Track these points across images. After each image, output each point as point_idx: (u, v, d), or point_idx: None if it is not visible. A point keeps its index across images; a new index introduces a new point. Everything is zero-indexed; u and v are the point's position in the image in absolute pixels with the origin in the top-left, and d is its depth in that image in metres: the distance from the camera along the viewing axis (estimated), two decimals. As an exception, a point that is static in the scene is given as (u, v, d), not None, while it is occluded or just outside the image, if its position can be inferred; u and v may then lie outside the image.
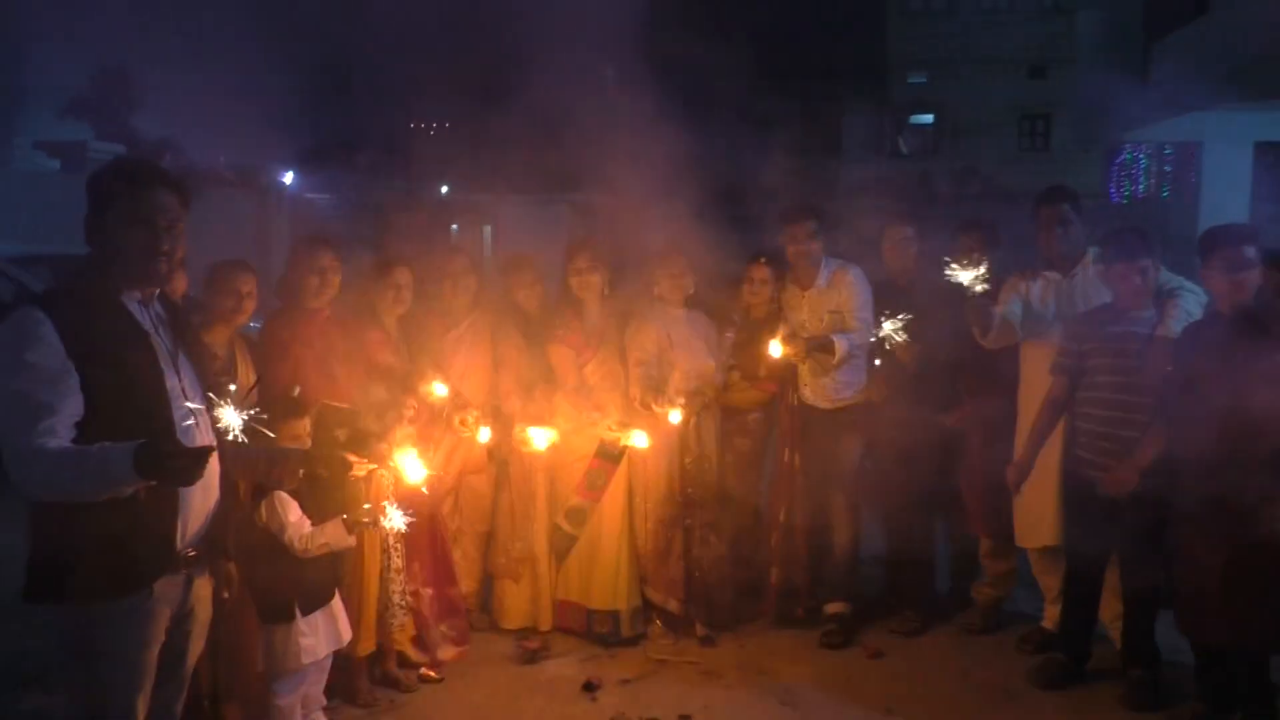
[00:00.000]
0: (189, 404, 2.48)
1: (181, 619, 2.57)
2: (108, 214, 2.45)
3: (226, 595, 2.72)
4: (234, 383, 3.55)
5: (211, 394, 2.54)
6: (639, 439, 4.43)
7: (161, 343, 2.52)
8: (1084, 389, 4.05)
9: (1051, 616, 4.56)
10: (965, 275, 4.02)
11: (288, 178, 15.08)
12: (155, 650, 2.48)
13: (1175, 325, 3.85)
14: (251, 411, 2.54)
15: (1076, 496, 4.11)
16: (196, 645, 2.66)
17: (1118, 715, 4.00)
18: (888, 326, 4.37)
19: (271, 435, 2.76)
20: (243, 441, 2.64)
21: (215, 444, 2.52)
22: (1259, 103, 11.41)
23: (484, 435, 4.29)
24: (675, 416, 4.42)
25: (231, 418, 2.40)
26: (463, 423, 4.20)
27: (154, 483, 2.20)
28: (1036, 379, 4.32)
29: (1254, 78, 10.84)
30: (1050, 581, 4.51)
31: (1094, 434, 4.01)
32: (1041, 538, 4.37)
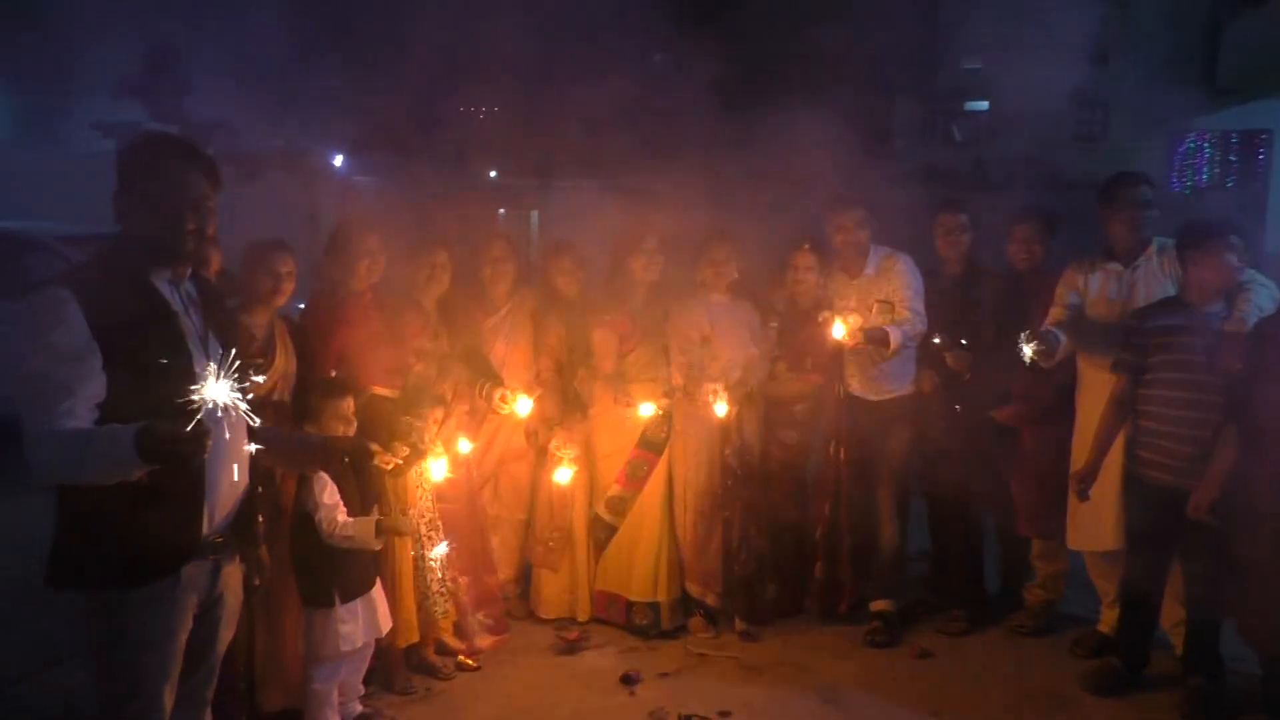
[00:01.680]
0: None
1: (210, 606, 2.53)
2: (135, 191, 2.39)
3: (258, 582, 2.67)
4: (270, 365, 3.55)
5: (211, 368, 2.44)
6: (646, 409, 4.38)
7: (192, 324, 2.46)
8: (1147, 386, 3.88)
9: (1107, 620, 4.40)
10: (1028, 349, 3.90)
11: (337, 160, 15.15)
12: (182, 637, 2.44)
13: (1248, 319, 3.67)
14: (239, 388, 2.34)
15: (1139, 499, 3.95)
16: (226, 632, 2.62)
17: (1178, 726, 3.85)
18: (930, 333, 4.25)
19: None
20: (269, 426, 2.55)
21: (245, 428, 2.48)
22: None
23: (524, 407, 4.22)
24: (721, 409, 4.32)
25: (217, 391, 2.16)
26: (502, 399, 4.14)
27: (156, 466, 2.12)
28: (1095, 377, 4.16)
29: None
30: (1107, 585, 4.36)
31: (1158, 434, 3.84)
32: (1100, 541, 4.20)
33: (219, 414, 2.36)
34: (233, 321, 2.88)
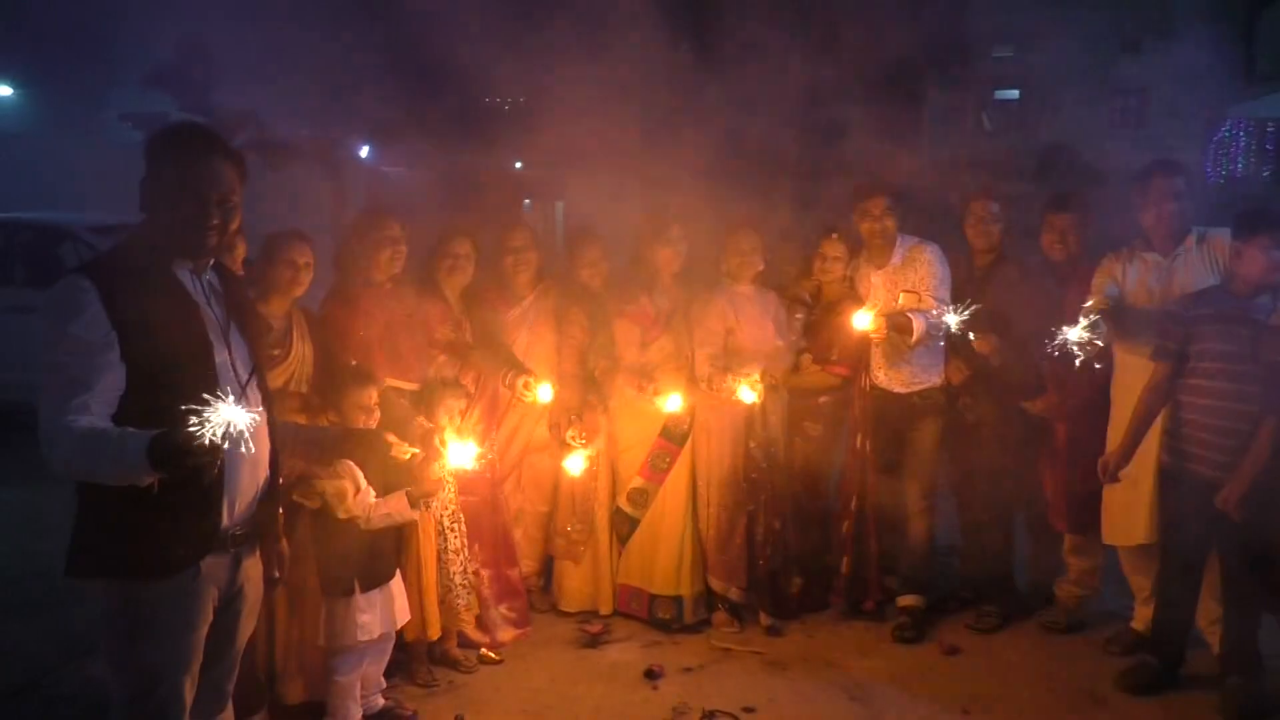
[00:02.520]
0: (240, 381, 2.40)
1: (230, 599, 2.51)
2: (160, 180, 2.36)
3: (278, 575, 2.65)
4: (287, 356, 3.53)
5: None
6: (673, 402, 4.29)
7: (214, 315, 2.43)
8: (1188, 376, 3.77)
9: (1142, 617, 4.29)
10: (1073, 334, 3.71)
11: (364, 151, 15.18)
12: (202, 631, 2.42)
13: None
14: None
15: (1176, 492, 3.85)
16: (246, 626, 2.60)
17: (1217, 727, 3.75)
18: (953, 320, 4.12)
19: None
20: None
21: (266, 421, 2.45)
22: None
23: (546, 394, 4.18)
24: (748, 395, 4.24)
25: (231, 414, 2.08)
26: (525, 386, 4.10)
27: (166, 476, 2.09)
28: (1131, 367, 4.05)
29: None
30: (1142, 581, 4.25)
31: (1198, 425, 3.74)
32: (1135, 535, 4.10)
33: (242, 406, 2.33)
34: (255, 313, 2.85)
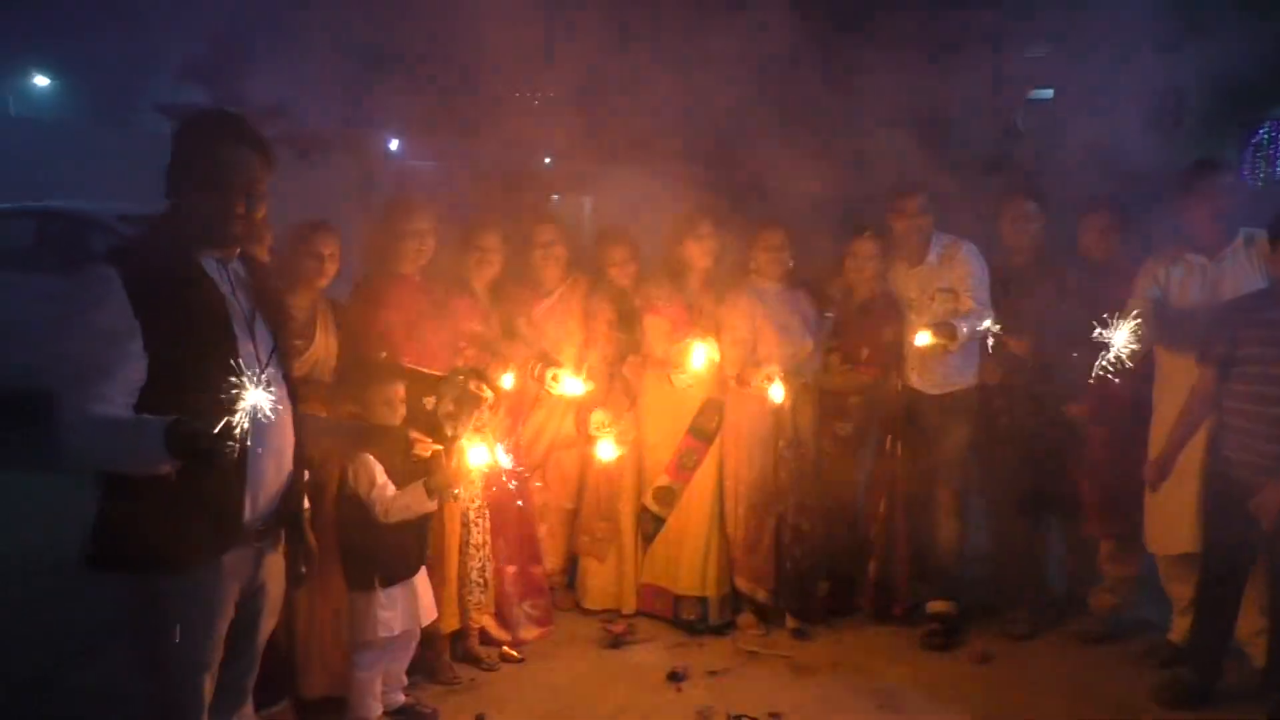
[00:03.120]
0: (265, 373, 2.36)
1: (252, 594, 2.47)
2: (186, 169, 2.33)
3: (305, 570, 2.61)
4: (309, 346, 3.49)
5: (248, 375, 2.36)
6: (777, 392, 4.18)
7: (239, 305, 2.40)
8: (1235, 381, 3.66)
9: (1180, 628, 4.18)
10: (1118, 337, 3.59)
11: (393, 144, 15.20)
12: (223, 626, 2.38)
13: None
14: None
15: (1222, 500, 3.74)
16: (268, 621, 2.57)
17: (1260, 743, 3.65)
18: (990, 325, 4.06)
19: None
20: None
21: (290, 414, 2.41)
22: None
23: (573, 387, 4.13)
24: (777, 393, 4.17)
25: (255, 397, 2.12)
26: (554, 378, 4.04)
27: (183, 463, 2.06)
28: (1174, 370, 3.95)
29: None
30: (1181, 591, 4.13)
31: (1245, 432, 3.63)
32: (1177, 544, 3.99)
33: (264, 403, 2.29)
34: (280, 304, 2.81)
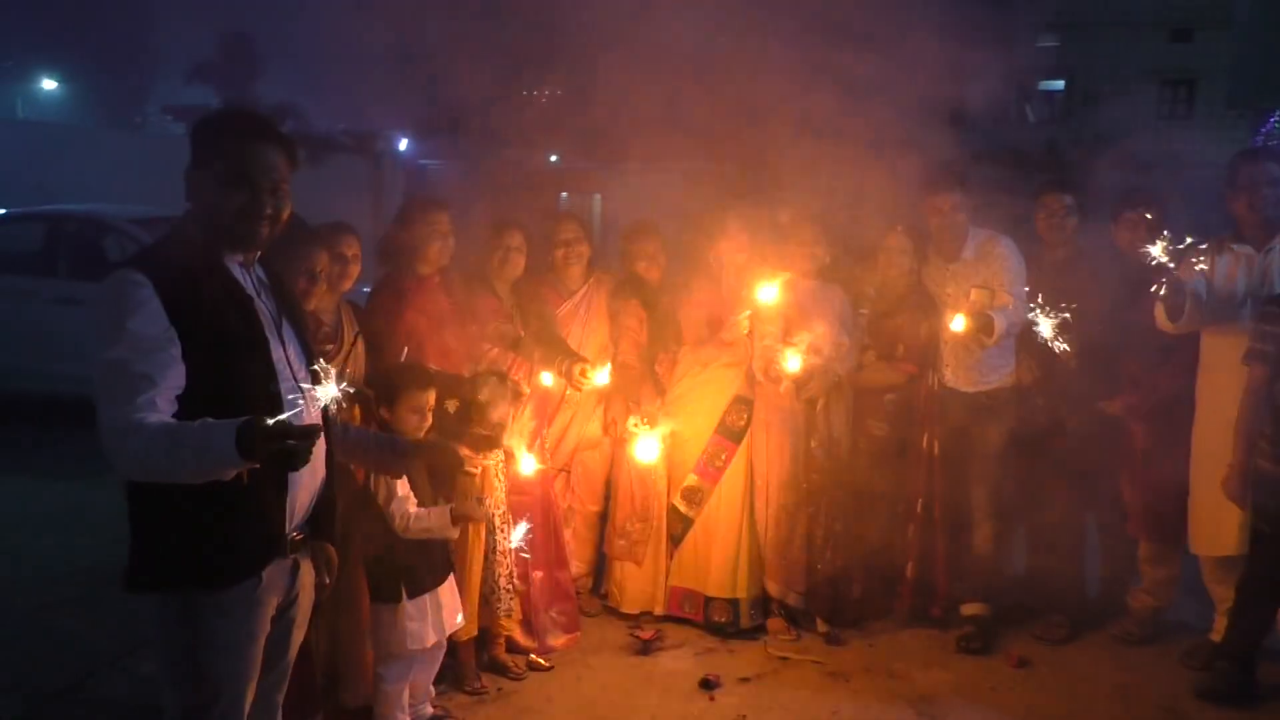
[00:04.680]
0: (297, 377, 2.29)
1: (286, 607, 2.39)
2: (209, 169, 2.24)
3: (328, 581, 2.52)
4: (340, 351, 3.42)
5: (318, 366, 2.30)
6: (793, 362, 4.11)
7: (265, 309, 2.32)
8: None
9: (1222, 629, 4.07)
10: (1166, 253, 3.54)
11: (402, 144, 15.17)
12: (263, 641, 2.30)
13: None
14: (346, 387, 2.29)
15: (1270, 499, 3.64)
16: (299, 634, 2.48)
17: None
18: (1044, 327, 3.93)
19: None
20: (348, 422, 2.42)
21: (322, 420, 2.33)
22: None
23: (603, 378, 4.06)
24: (793, 362, 4.10)
25: (328, 392, 2.15)
26: (583, 374, 3.98)
27: (257, 465, 1.98)
28: (1219, 365, 3.85)
29: None
30: (1224, 592, 4.02)
31: None
32: (1222, 546, 3.90)
33: (302, 403, 2.22)
34: (301, 306, 2.74)
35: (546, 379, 4.02)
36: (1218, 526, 3.87)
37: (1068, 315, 3.91)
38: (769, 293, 4.18)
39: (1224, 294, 3.83)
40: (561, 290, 4.39)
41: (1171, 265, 3.60)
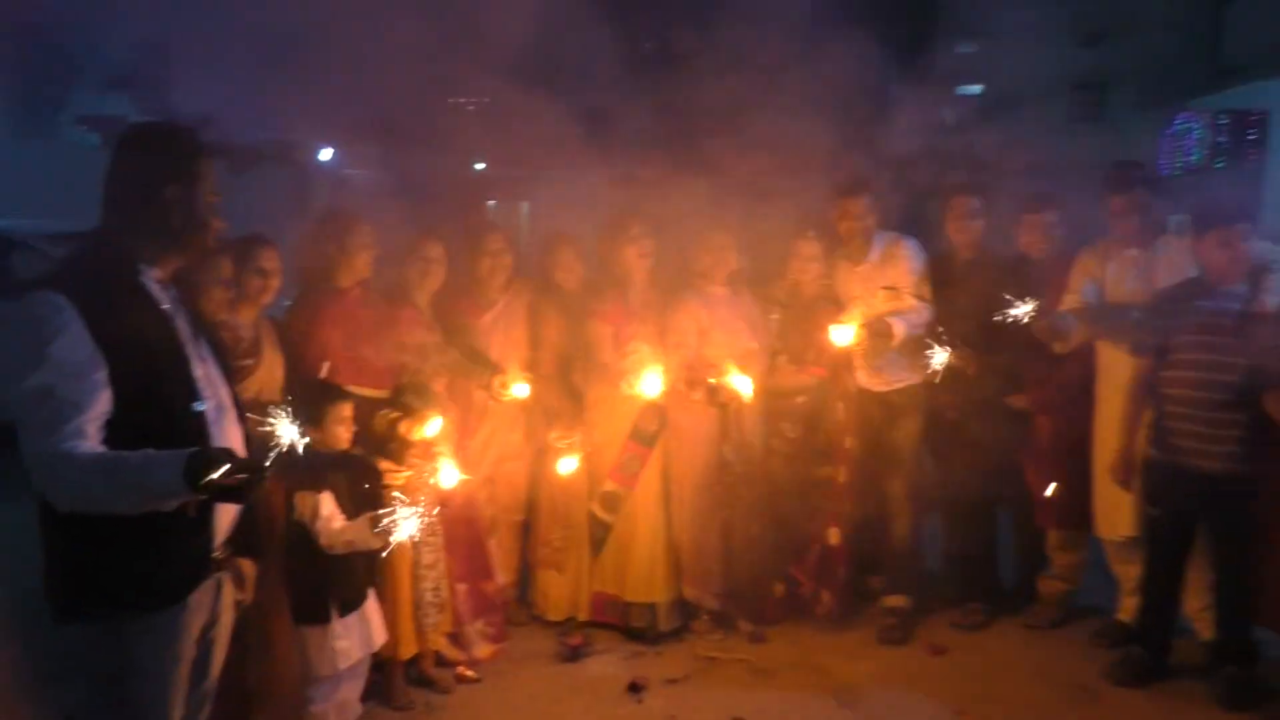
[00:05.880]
0: (219, 394, 2.28)
1: (209, 626, 2.36)
2: (136, 183, 2.21)
3: (243, 599, 2.50)
4: (259, 366, 3.40)
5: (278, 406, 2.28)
6: (651, 384, 4.16)
7: (183, 326, 2.30)
8: (1170, 368, 3.76)
9: (1128, 609, 4.28)
10: (1021, 310, 3.78)
11: (326, 154, 14.90)
12: (188, 664, 2.28)
13: (1273, 300, 3.55)
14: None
15: (1162, 484, 3.83)
16: (220, 654, 2.45)
17: (1213, 715, 3.75)
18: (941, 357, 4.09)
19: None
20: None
21: (244, 438, 2.32)
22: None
23: (522, 391, 4.09)
24: (746, 386, 4.16)
25: (290, 432, 2.15)
26: (502, 385, 4.01)
27: (204, 498, 1.96)
28: (1115, 360, 4.04)
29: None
30: (1128, 572, 4.23)
31: (1180, 416, 3.73)
32: (1120, 527, 4.11)
33: (222, 421, 2.21)
34: (215, 322, 2.72)
35: (522, 390, 4.06)
36: (1116, 511, 4.07)
37: (955, 320, 4.06)
38: (652, 385, 4.20)
39: (1115, 297, 4.02)
40: (482, 301, 4.38)
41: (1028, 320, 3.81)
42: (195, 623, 2.28)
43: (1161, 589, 3.95)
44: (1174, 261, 3.98)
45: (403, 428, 3.58)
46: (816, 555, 4.50)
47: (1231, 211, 3.70)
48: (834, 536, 4.47)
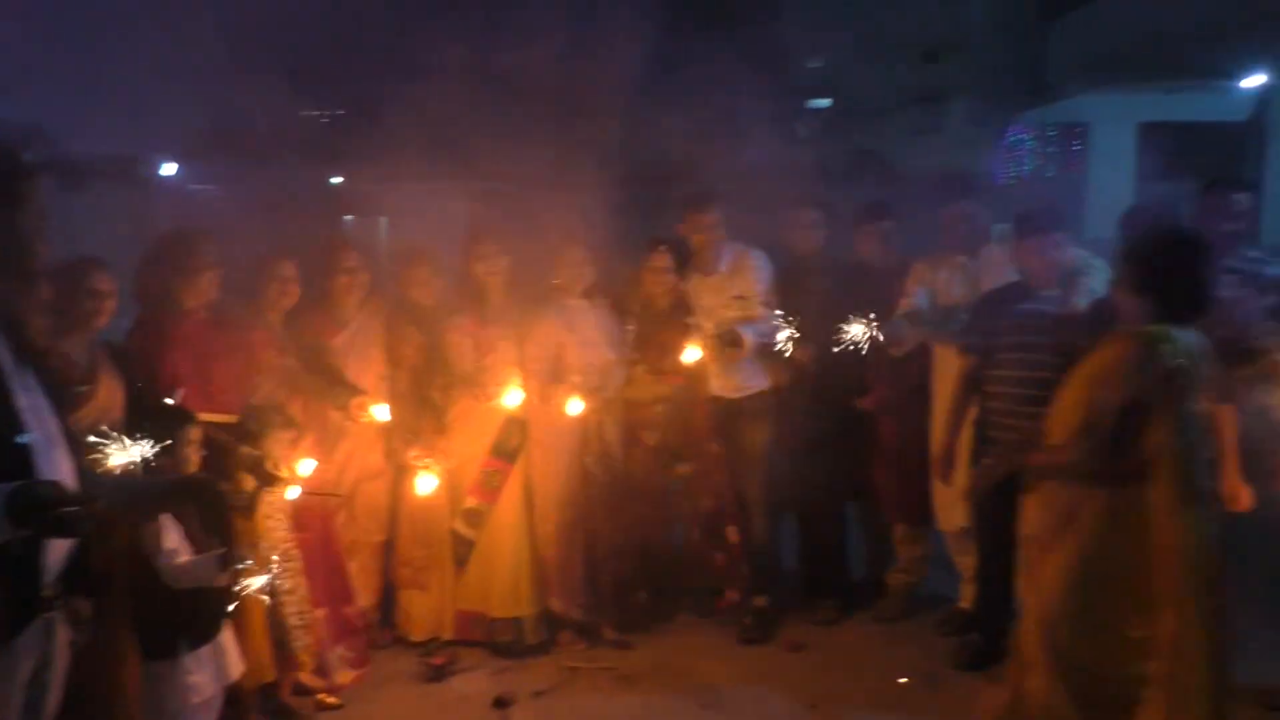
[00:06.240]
0: (46, 426, 2.17)
1: (41, 669, 2.23)
2: None
3: (75, 639, 2.37)
4: (94, 394, 3.26)
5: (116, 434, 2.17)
6: (514, 396, 4.24)
7: (4, 356, 2.20)
8: (993, 367, 4.01)
9: (968, 596, 4.53)
10: (857, 329, 3.96)
11: (169, 168, 14.25)
12: (17, 711, 2.15)
13: (1080, 302, 3.85)
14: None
15: (979, 478, 4.05)
16: (54, 700, 2.34)
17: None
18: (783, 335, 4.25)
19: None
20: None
21: (80, 473, 2.22)
22: (1142, 85, 11.81)
23: (382, 414, 4.05)
24: (575, 407, 4.23)
25: (126, 458, 2.04)
26: (360, 406, 3.96)
27: (29, 534, 1.86)
28: (947, 361, 4.29)
29: (1137, 61, 11.20)
30: (966, 561, 4.48)
31: (1001, 411, 3.98)
32: (956, 519, 4.36)
33: (52, 455, 2.12)
34: (45, 351, 2.59)
35: (382, 412, 4.04)
36: (952, 503, 4.33)
37: (801, 323, 4.23)
38: (515, 397, 4.27)
39: (945, 302, 4.29)
40: (336, 319, 4.30)
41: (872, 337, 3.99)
42: (23, 667, 2.16)
43: (992, 578, 4.18)
44: (997, 267, 4.26)
45: (269, 464, 3.51)
46: (723, 559, 4.64)
47: (1046, 220, 3.98)
48: (733, 535, 4.61)
